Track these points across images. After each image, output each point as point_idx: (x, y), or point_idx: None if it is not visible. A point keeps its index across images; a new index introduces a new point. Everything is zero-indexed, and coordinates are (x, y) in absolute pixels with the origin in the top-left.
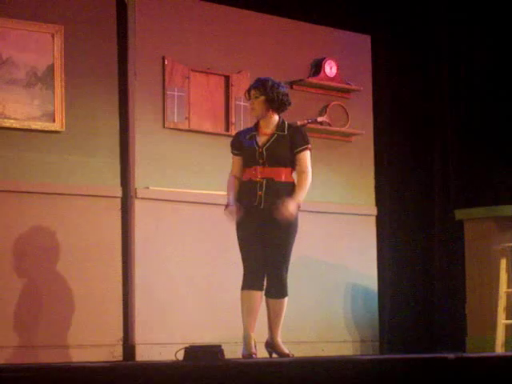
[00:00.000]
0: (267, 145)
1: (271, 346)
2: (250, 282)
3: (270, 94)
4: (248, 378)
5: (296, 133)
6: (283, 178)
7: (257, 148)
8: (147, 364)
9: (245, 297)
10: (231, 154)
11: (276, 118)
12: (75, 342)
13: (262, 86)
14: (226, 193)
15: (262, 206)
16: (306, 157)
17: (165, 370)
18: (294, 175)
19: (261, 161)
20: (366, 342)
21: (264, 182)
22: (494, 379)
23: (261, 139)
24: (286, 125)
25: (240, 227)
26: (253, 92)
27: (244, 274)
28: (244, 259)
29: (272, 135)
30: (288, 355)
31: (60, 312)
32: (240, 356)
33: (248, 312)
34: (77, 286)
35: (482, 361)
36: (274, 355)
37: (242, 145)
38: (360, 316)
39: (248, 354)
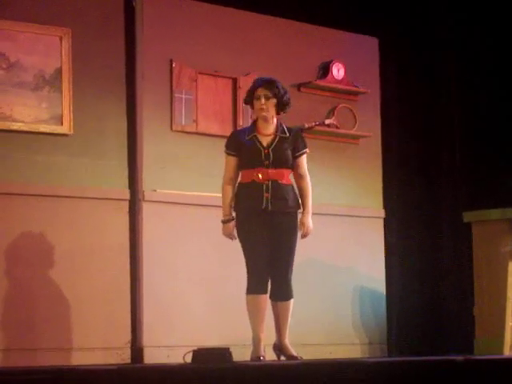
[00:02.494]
0: (272, 146)
1: (279, 348)
2: (256, 286)
3: (280, 97)
4: (256, 380)
5: (297, 136)
6: (285, 180)
7: (262, 149)
8: (155, 367)
9: (252, 301)
10: (226, 155)
11: (275, 120)
12: (83, 345)
13: (275, 88)
14: None
15: (270, 209)
16: (305, 160)
17: (173, 372)
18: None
19: (266, 162)
20: (374, 345)
21: (270, 183)
22: (502, 381)
23: (264, 140)
24: (285, 127)
25: (245, 230)
26: (265, 92)
27: (249, 278)
28: (249, 263)
29: (275, 137)
30: (296, 358)
31: (68, 315)
32: (248, 358)
33: (257, 316)
34: (85, 288)
35: (490, 363)
36: (283, 358)
37: (243, 145)
38: (368, 318)
39: (256, 356)
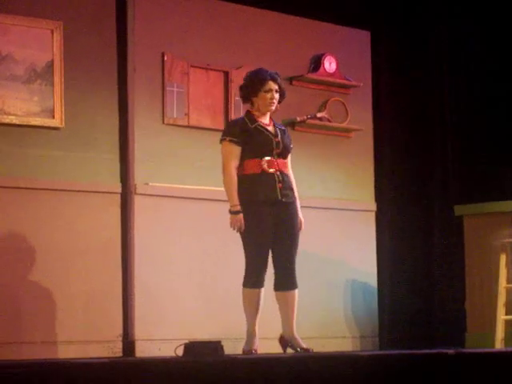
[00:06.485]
0: (279, 136)
1: (289, 341)
2: (257, 281)
3: (282, 90)
4: (248, 373)
5: (287, 130)
6: (287, 170)
7: (272, 137)
8: (147, 360)
9: (251, 295)
10: (228, 143)
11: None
12: (75, 338)
13: (280, 80)
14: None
15: (284, 200)
16: None
17: (164, 365)
18: None
19: (277, 151)
20: (366, 338)
21: (279, 173)
22: (493, 375)
23: (270, 129)
24: (274, 120)
25: (254, 223)
26: (275, 86)
27: (250, 272)
28: (252, 256)
29: (274, 127)
30: (308, 350)
31: (59, 308)
32: (240, 352)
33: (255, 310)
34: (76, 282)
35: (481, 356)
36: (289, 350)
37: (249, 134)
38: (359, 312)
39: (249, 350)
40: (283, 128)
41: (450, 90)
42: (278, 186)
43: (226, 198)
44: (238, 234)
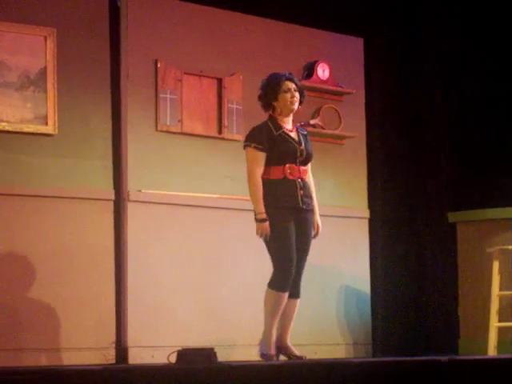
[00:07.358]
0: (303, 143)
1: (282, 348)
2: (287, 285)
3: (301, 90)
4: (240, 381)
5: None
6: (307, 178)
7: (297, 146)
8: (140, 367)
9: (278, 298)
10: (253, 150)
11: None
12: (68, 345)
13: (295, 79)
14: (218, 196)
15: (305, 207)
16: None
17: (157, 372)
18: None
19: (301, 159)
20: (359, 345)
21: (300, 180)
22: (486, 382)
23: (294, 136)
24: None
25: (281, 229)
26: (293, 85)
27: (281, 275)
28: (284, 261)
29: (297, 133)
30: (301, 357)
31: (52, 315)
32: (232, 359)
33: (277, 313)
34: (69, 288)
35: (474, 363)
36: (283, 357)
37: (275, 141)
38: (353, 318)
39: (268, 354)
40: (305, 133)
41: (444, 96)
42: (300, 193)
43: (218, 205)
44: (230, 242)
